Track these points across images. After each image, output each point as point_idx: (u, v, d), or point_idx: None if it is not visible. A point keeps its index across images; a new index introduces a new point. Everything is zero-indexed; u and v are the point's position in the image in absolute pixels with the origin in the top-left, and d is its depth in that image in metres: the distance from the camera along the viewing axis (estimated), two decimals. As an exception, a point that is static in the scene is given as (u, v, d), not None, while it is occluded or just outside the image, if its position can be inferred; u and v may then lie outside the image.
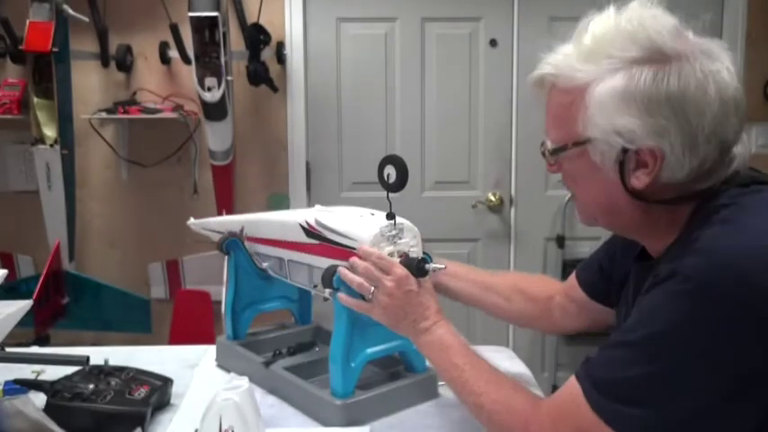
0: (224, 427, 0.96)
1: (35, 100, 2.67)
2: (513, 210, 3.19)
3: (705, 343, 0.75)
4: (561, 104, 0.89)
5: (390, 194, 1.13)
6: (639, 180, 0.85)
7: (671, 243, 0.87)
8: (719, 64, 0.83)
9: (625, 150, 0.84)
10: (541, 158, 0.97)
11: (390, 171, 1.11)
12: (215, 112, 2.69)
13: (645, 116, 0.82)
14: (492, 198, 3.16)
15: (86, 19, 2.74)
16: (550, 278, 1.38)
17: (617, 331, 0.85)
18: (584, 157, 0.88)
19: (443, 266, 1.11)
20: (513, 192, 3.19)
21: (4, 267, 2.56)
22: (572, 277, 1.24)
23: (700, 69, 0.82)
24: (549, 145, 0.93)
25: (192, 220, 1.54)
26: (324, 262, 1.18)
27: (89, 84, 3.03)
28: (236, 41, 2.89)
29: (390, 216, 1.14)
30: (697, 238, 0.79)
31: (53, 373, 1.25)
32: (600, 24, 0.87)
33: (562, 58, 0.89)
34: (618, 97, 0.83)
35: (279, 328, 1.52)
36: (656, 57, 0.82)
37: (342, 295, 1.12)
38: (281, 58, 3.02)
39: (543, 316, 1.30)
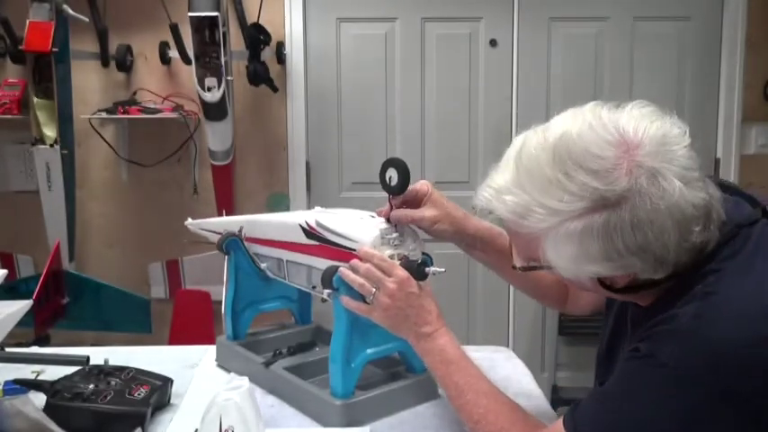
0: (224, 427, 0.96)
1: (35, 100, 2.67)
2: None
3: (679, 425, 0.78)
4: (519, 239, 0.89)
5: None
6: (617, 283, 0.86)
7: (662, 293, 0.88)
8: (669, 186, 0.77)
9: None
10: None
11: (392, 174, 1.10)
12: (215, 112, 2.69)
13: (605, 261, 0.81)
14: (492, 198, 3.16)
15: (86, 19, 2.74)
16: None
17: (602, 387, 0.88)
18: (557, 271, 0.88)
19: (443, 270, 1.11)
20: (513, 192, 3.18)
21: (4, 267, 2.56)
22: None
23: (651, 208, 0.77)
24: (518, 259, 0.93)
25: (189, 221, 1.54)
26: (323, 263, 1.18)
27: (89, 84, 3.03)
28: (236, 41, 2.88)
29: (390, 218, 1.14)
30: (675, 316, 0.80)
31: (53, 373, 1.25)
32: (530, 166, 0.83)
33: (501, 200, 0.85)
34: (574, 246, 0.81)
35: (279, 328, 1.52)
36: (604, 203, 0.78)
37: (343, 298, 1.12)
38: (281, 58, 3.02)
39: (558, 297, 1.28)
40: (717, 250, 0.83)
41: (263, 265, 1.39)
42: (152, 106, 2.97)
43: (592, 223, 0.79)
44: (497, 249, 1.19)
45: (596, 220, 0.79)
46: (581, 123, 0.82)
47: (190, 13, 2.51)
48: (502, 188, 0.86)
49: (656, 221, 0.78)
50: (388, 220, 1.14)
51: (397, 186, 1.11)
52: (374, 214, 1.17)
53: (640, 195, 0.77)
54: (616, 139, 0.79)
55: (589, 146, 0.79)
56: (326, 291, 1.14)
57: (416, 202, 1.16)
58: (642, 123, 0.80)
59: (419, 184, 1.15)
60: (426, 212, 1.14)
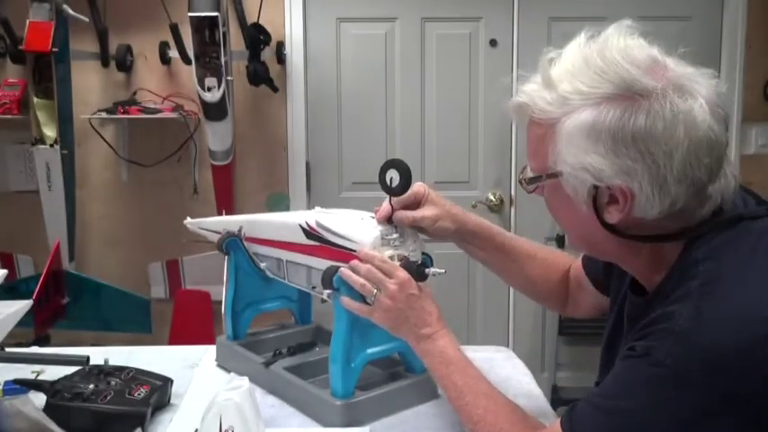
0: (224, 427, 0.96)
1: (35, 100, 2.68)
2: (513, 210, 3.19)
3: (676, 425, 0.77)
4: (536, 135, 0.89)
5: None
6: (612, 215, 0.85)
7: (658, 285, 0.88)
8: (692, 102, 0.80)
9: (596, 186, 0.84)
10: None
11: (393, 175, 1.10)
12: (215, 112, 2.69)
13: (611, 156, 0.81)
14: (492, 198, 3.17)
15: (86, 19, 2.74)
16: (569, 257, 1.30)
17: (599, 387, 0.87)
18: (558, 188, 0.88)
19: (443, 271, 1.11)
20: (512, 192, 3.19)
21: (4, 267, 2.56)
22: (579, 265, 1.21)
23: (669, 109, 0.79)
24: (528, 172, 0.94)
25: (188, 220, 1.54)
26: (323, 264, 1.18)
27: (89, 84, 3.04)
28: (236, 41, 2.89)
29: (391, 220, 1.14)
30: (672, 315, 0.79)
31: (53, 373, 1.25)
32: (570, 55, 0.86)
33: (535, 89, 0.87)
34: (585, 135, 0.82)
35: (279, 328, 1.52)
36: (626, 94, 0.81)
37: (344, 298, 1.12)
38: (281, 58, 3.02)
39: (558, 299, 1.29)
40: (710, 235, 0.83)
41: (262, 265, 1.39)
42: (152, 106, 2.97)
43: (609, 110, 0.81)
44: (495, 246, 1.21)
45: (614, 108, 0.81)
46: (622, 40, 0.85)
47: (190, 13, 2.51)
48: (533, 76, 0.89)
49: (669, 126, 0.79)
50: (389, 221, 1.14)
51: (398, 187, 1.10)
52: (374, 215, 1.17)
53: (663, 98, 0.79)
54: (656, 58, 0.83)
55: (632, 49, 0.83)
56: (326, 291, 1.14)
57: (415, 204, 1.16)
58: (686, 66, 0.84)
59: (415, 186, 1.15)
60: (426, 212, 1.15)
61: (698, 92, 0.81)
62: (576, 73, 0.84)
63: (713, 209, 0.85)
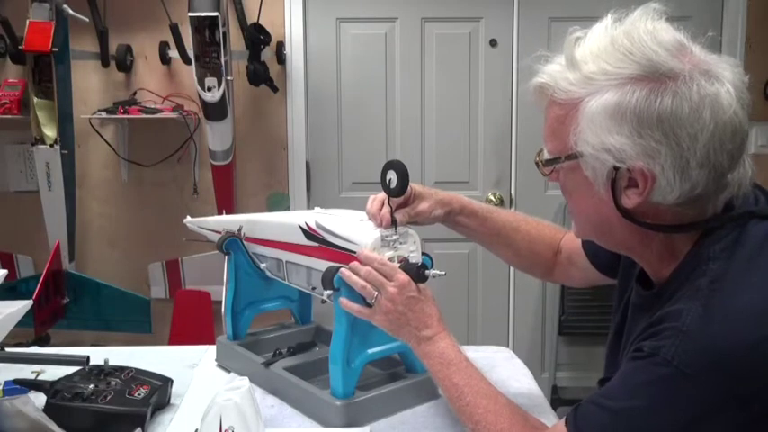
0: (224, 428, 0.96)
1: (35, 100, 2.67)
2: (513, 210, 3.19)
3: (681, 425, 0.77)
4: (556, 116, 0.88)
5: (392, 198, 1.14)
6: (630, 199, 0.84)
7: (666, 278, 0.88)
8: (719, 86, 0.80)
9: (616, 168, 0.83)
10: None
11: (392, 176, 1.11)
12: (215, 112, 2.69)
13: (635, 137, 0.80)
14: (492, 198, 3.17)
15: (86, 19, 2.74)
16: (556, 230, 1.32)
17: (605, 387, 0.87)
18: (576, 170, 0.88)
19: (443, 273, 1.11)
20: (513, 192, 3.19)
21: (4, 267, 2.57)
22: (577, 243, 1.22)
23: (696, 92, 0.79)
24: (545, 155, 0.92)
25: (188, 219, 1.54)
26: (323, 264, 1.18)
27: (89, 84, 3.04)
28: (236, 41, 2.89)
29: (393, 222, 1.14)
30: (680, 314, 0.79)
31: (53, 373, 1.25)
32: (596, 36, 0.86)
33: (558, 69, 0.87)
34: (609, 115, 0.81)
35: (279, 328, 1.52)
36: (652, 76, 0.80)
37: (343, 300, 1.12)
38: (281, 58, 3.02)
39: (544, 270, 1.31)
40: (722, 231, 0.83)
41: (262, 265, 1.39)
42: (152, 106, 2.97)
43: (634, 91, 0.80)
44: (480, 222, 1.25)
45: (640, 89, 0.80)
46: (649, 23, 0.85)
47: (190, 13, 2.51)
48: (555, 57, 0.89)
49: (695, 109, 0.78)
50: (393, 223, 1.14)
51: (396, 189, 1.11)
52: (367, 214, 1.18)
53: (690, 80, 0.79)
54: (682, 41, 0.83)
55: (659, 32, 0.83)
56: (327, 292, 1.14)
57: (405, 201, 1.19)
58: (709, 53, 0.84)
59: None
60: (420, 206, 1.19)
61: (724, 77, 0.81)
62: (601, 54, 0.83)
63: (728, 199, 0.85)
